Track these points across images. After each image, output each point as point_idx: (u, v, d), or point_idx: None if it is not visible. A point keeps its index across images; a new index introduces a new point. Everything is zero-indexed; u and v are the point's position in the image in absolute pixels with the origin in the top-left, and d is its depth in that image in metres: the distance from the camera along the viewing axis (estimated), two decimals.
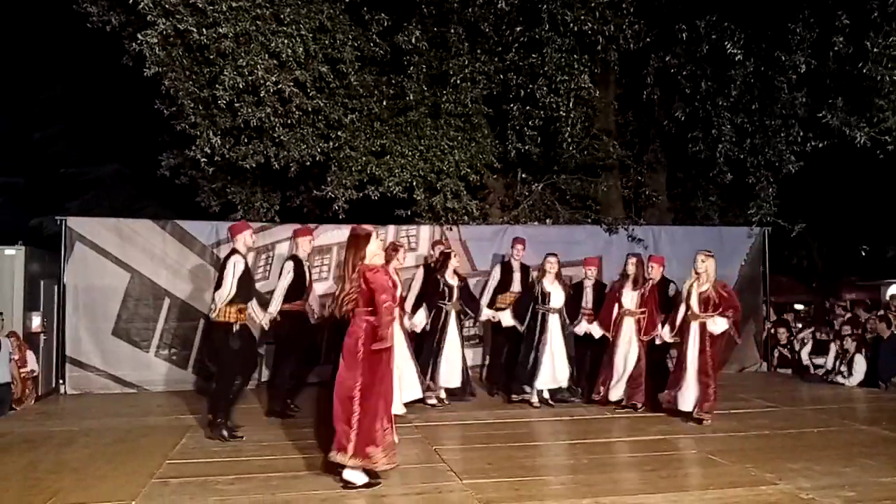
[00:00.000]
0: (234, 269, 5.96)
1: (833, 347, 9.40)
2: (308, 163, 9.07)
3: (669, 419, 6.69)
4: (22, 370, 8.14)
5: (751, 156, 10.07)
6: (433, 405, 7.35)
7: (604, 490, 4.52)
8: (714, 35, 9.33)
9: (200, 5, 7.85)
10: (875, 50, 8.02)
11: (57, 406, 7.84)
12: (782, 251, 16.46)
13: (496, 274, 8.39)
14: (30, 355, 8.34)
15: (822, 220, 17.81)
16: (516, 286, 8.16)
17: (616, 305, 7.42)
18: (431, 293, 7.56)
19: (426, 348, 7.46)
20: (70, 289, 8.38)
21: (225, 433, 5.89)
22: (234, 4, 7.90)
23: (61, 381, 8.35)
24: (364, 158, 9.04)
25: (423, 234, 9.43)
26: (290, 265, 7.06)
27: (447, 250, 7.80)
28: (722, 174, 10.23)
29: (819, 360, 9.50)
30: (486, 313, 7.94)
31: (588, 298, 8.01)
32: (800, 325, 10.58)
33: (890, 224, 19.02)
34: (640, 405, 7.14)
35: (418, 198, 9.29)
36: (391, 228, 9.40)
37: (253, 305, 6.45)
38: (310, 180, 10.10)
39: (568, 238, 9.44)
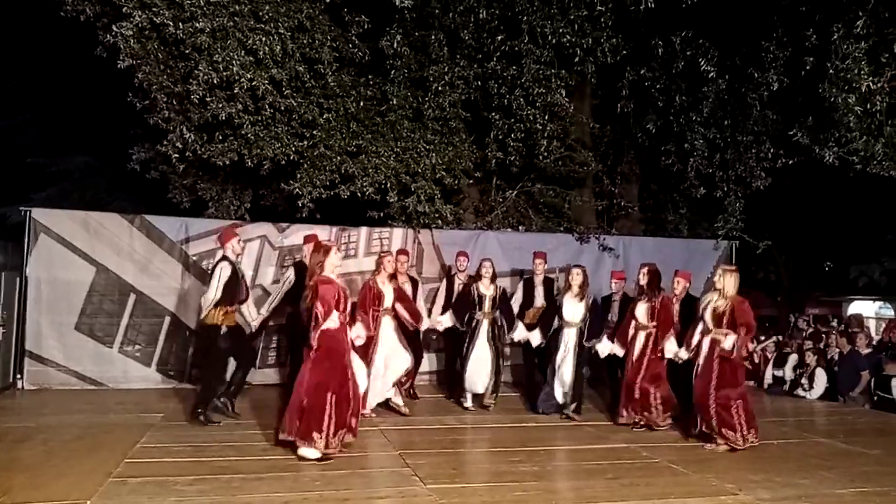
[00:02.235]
0: (221, 274, 6.42)
1: (790, 360, 9.56)
2: (283, 161, 9.00)
3: (633, 429, 6.73)
4: None
5: (721, 170, 10.24)
6: (466, 408, 7.52)
7: (566, 498, 4.55)
8: (689, 51, 9.48)
9: None
10: (831, 71, 8.18)
11: (13, 401, 7.62)
12: (749, 265, 16.75)
13: (519, 291, 8.31)
14: None
15: (789, 236, 18.21)
16: (539, 300, 8.03)
17: (632, 320, 6.87)
18: (463, 301, 7.65)
19: (460, 354, 7.64)
20: (32, 281, 8.18)
21: (202, 419, 6.34)
22: None
23: (19, 376, 8.11)
24: (338, 158, 9.00)
25: (397, 237, 9.39)
26: (290, 273, 7.53)
27: (486, 261, 7.74)
28: (693, 188, 10.40)
29: (778, 373, 9.67)
30: (519, 332, 7.65)
31: (615, 314, 7.70)
32: (762, 338, 10.73)
33: (854, 242, 19.51)
34: (656, 425, 6.57)
35: (391, 199, 9.27)
36: (364, 230, 9.35)
37: (248, 306, 6.98)
38: (282, 178, 10.02)
39: (540, 245, 9.43)
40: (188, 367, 8.55)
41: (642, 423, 6.68)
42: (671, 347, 6.60)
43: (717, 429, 5.92)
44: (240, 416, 6.59)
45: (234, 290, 6.55)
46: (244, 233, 8.87)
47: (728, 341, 5.91)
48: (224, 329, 6.46)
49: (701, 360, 6.12)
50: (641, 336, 6.75)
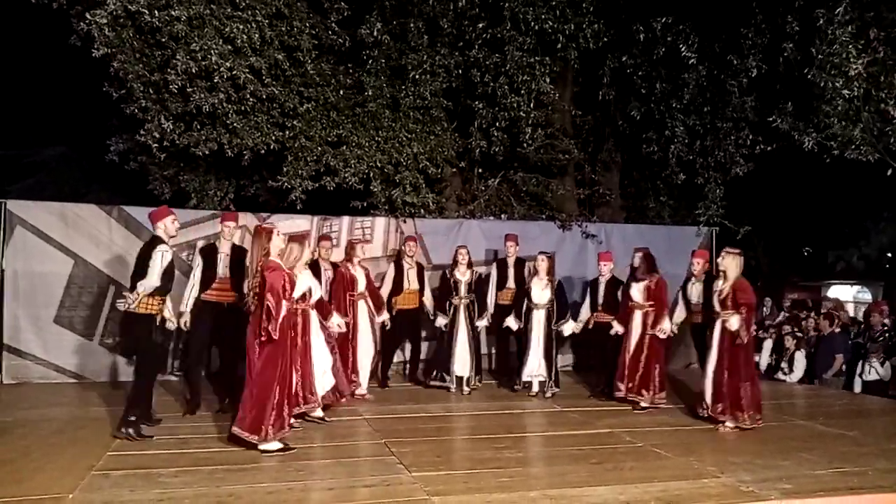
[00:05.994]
0: (162, 259, 5.58)
1: (765, 345, 9.67)
2: (263, 151, 8.93)
3: (618, 413, 6.79)
4: None
5: (701, 157, 10.31)
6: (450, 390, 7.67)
7: (551, 483, 4.57)
8: (670, 37, 9.50)
9: None
10: (820, 57, 8.27)
11: None
12: None
13: (493, 273, 8.50)
14: None
15: (768, 222, 18.39)
16: (511, 282, 8.33)
17: (628, 301, 7.23)
18: (443, 290, 7.91)
19: (443, 342, 7.85)
20: (9, 274, 8.06)
21: (132, 431, 5.47)
22: None
23: None
24: (320, 148, 8.94)
25: (379, 226, 9.36)
26: (198, 259, 7.13)
27: (462, 248, 7.93)
28: (674, 174, 10.45)
29: (756, 357, 9.78)
30: (486, 321, 8.01)
31: (600, 296, 7.87)
32: None
33: (831, 227, 19.73)
34: (643, 403, 6.90)
35: (375, 189, 9.22)
36: (346, 220, 9.30)
37: (190, 299, 6.52)
38: (264, 169, 9.94)
39: (522, 233, 9.46)
40: (170, 358, 8.49)
41: (639, 401, 6.95)
42: (666, 327, 6.99)
43: (729, 410, 6.12)
44: (161, 421, 5.98)
45: (171, 279, 5.75)
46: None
47: (733, 321, 6.06)
48: (159, 319, 5.72)
49: (715, 342, 6.28)
50: (638, 315, 7.09)
